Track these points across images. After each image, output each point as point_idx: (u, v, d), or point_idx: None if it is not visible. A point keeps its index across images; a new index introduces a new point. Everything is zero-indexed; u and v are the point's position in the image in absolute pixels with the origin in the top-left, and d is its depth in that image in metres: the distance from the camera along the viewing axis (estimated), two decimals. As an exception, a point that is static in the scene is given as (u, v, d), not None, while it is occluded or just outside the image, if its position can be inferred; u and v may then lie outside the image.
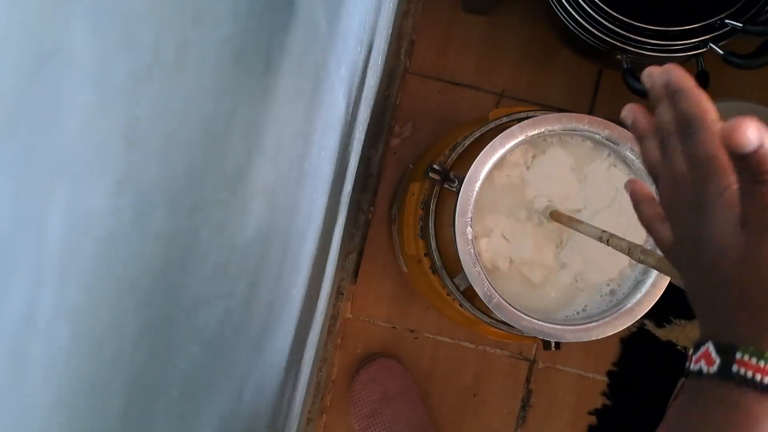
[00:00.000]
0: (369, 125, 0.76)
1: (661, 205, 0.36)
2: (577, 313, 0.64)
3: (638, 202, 0.38)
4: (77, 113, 0.15)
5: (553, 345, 0.66)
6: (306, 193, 0.44)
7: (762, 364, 0.27)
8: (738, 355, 0.28)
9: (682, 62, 0.75)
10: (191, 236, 0.24)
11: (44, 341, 0.16)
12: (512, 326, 0.61)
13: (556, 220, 0.61)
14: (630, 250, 0.45)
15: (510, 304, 0.59)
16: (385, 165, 0.95)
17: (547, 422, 0.97)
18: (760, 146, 0.27)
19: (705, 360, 0.29)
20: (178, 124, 0.21)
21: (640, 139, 0.37)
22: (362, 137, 0.71)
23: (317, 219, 0.52)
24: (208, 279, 0.28)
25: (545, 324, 0.60)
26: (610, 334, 0.60)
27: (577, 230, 0.57)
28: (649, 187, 0.39)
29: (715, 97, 0.79)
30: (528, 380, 0.97)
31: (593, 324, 0.61)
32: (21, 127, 0.13)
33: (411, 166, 0.90)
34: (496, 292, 0.59)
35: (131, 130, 0.18)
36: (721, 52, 0.70)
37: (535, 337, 0.64)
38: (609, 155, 0.64)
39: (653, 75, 0.34)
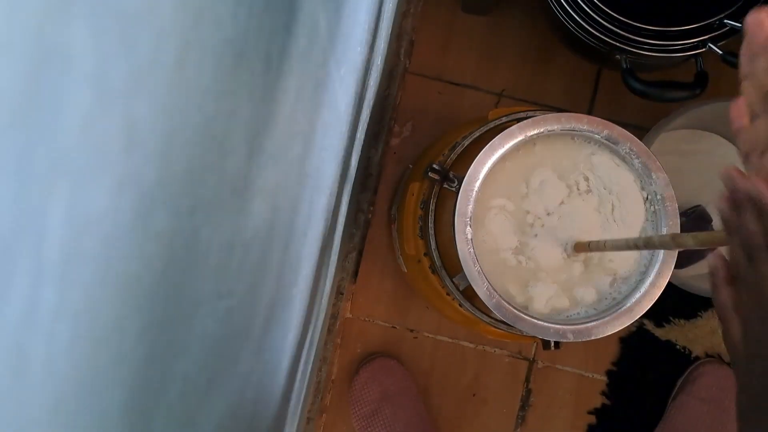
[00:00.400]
0: (369, 125, 0.76)
1: (741, 307, 0.35)
2: (578, 313, 0.64)
3: (718, 286, 0.37)
4: (77, 113, 0.15)
5: (552, 344, 0.66)
6: (306, 193, 0.44)
7: None
8: None
9: (682, 62, 0.76)
10: (191, 236, 0.24)
11: (45, 340, 0.16)
12: (512, 326, 0.61)
13: (582, 251, 0.61)
14: (674, 240, 0.44)
15: (509, 304, 0.59)
16: (385, 165, 0.95)
17: (547, 422, 0.97)
18: None
19: None
20: (178, 124, 0.21)
21: (726, 231, 0.35)
22: (362, 137, 0.71)
23: (317, 219, 0.52)
24: (208, 278, 0.28)
25: (545, 323, 0.60)
26: (609, 333, 0.60)
27: (607, 250, 0.56)
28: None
29: (715, 97, 0.79)
30: (527, 380, 0.97)
31: (593, 323, 0.61)
32: (22, 126, 0.13)
33: (411, 165, 0.90)
34: (496, 292, 0.59)
35: (131, 130, 0.18)
36: (720, 52, 0.70)
37: (534, 337, 0.64)
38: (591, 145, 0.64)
39: (735, 181, 0.33)
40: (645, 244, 0.48)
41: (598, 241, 0.59)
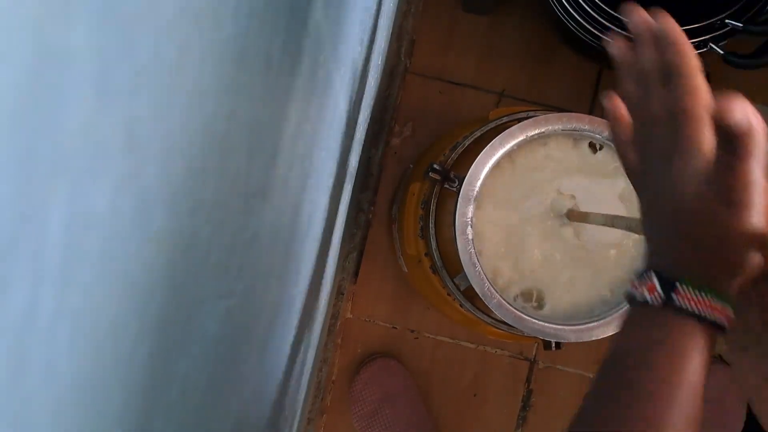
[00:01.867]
0: (369, 125, 0.76)
1: (633, 137, 0.37)
2: (583, 312, 0.64)
3: (615, 122, 0.39)
4: (78, 113, 0.15)
5: (553, 345, 0.66)
6: (306, 193, 0.44)
7: (697, 296, 0.31)
8: (678, 288, 0.32)
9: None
10: (192, 236, 0.24)
11: (45, 340, 0.16)
12: (512, 326, 0.61)
13: (575, 219, 0.62)
14: (635, 226, 0.46)
15: (510, 304, 0.59)
16: (386, 165, 0.95)
17: (548, 422, 0.97)
18: (749, 125, 0.29)
19: (648, 289, 0.33)
20: (178, 124, 0.21)
21: (619, 68, 0.38)
22: (362, 137, 0.71)
23: (318, 219, 0.52)
24: (208, 279, 0.28)
25: (545, 324, 0.60)
26: (610, 333, 0.60)
27: (589, 222, 0.58)
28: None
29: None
30: (528, 380, 0.97)
31: (593, 324, 0.61)
32: (22, 127, 0.13)
33: (411, 165, 0.90)
34: (497, 292, 0.59)
35: (132, 130, 0.18)
36: (722, 52, 0.70)
37: (535, 337, 0.64)
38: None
39: (637, 16, 0.36)
40: (614, 223, 0.51)
41: (583, 212, 0.60)
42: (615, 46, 0.38)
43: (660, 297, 0.32)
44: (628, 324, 0.35)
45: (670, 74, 0.34)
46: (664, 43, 0.34)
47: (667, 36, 0.34)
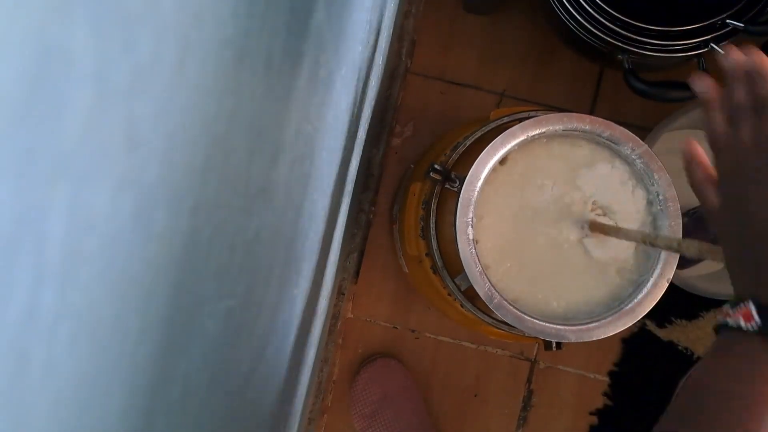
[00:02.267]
0: (370, 125, 0.76)
1: (719, 173, 0.38)
2: (583, 312, 0.63)
3: (690, 163, 0.40)
4: (78, 113, 0.15)
5: (554, 345, 0.66)
6: (307, 193, 0.44)
7: None
8: None
9: (683, 62, 0.75)
10: (192, 236, 0.24)
11: (45, 340, 0.16)
12: (513, 326, 0.61)
13: (596, 231, 0.61)
14: (679, 245, 0.46)
15: (511, 305, 0.59)
16: (387, 165, 0.95)
17: (549, 422, 0.97)
18: None
19: (744, 317, 0.33)
20: (179, 124, 0.21)
21: (707, 108, 0.39)
22: (364, 137, 0.71)
23: (318, 219, 0.52)
24: (209, 279, 0.28)
25: (546, 324, 0.60)
26: (611, 334, 0.60)
27: (619, 237, 0.57)
28: (704, 152, 0.41)
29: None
30: (529, 380, 0.97)
31: (594, 324, 0.60)
32: (23, 127, 0.13)
33: (412, 166, 0.90)
34: (497, 293, 0.59)
35: (132, 130, 0.18)
36: (723, 52, 0.70)
37: (536, 338, 0.64)
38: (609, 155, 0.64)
39: (735, 57, 0.38)
40: (651, 242, 0.49)
41: (612, 226, 0.59)
42: (702, 84, 0.39)
43: (756, 324, 0.32)
44: (717, 352, 0.35)
45: (763, 103, 0.35)
46: (759, 75, 0.36)
47: (762, 69, 0.36)
